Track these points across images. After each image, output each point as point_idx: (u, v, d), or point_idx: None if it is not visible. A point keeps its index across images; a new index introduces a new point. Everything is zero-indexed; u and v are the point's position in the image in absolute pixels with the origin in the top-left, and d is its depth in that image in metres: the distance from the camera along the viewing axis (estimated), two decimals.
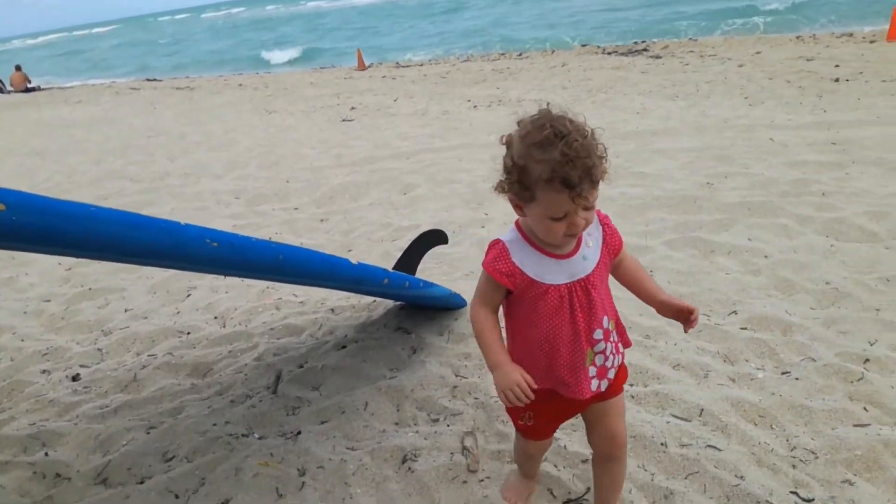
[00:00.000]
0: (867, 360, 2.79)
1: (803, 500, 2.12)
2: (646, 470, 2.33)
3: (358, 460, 2.54)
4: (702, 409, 2.59)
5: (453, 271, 4.37)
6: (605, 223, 1.79)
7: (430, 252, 3.93)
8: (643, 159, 6.41)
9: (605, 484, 2.04)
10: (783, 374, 2.81)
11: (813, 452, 2.34)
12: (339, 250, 5.05)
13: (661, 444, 2.43)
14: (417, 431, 2.71)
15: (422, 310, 3.72)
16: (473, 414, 2.77)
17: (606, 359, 1.80)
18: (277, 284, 4.43)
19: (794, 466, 2.29)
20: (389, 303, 3.89)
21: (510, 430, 2.62)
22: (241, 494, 2.46)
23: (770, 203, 4.70)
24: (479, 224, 5.24)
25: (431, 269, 4.43)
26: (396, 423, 2.80)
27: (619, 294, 1.93)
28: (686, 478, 2.28)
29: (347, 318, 3.84)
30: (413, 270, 3.65)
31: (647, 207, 5.03)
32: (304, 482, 2.47)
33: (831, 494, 2.12)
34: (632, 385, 2.83)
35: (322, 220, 5.89)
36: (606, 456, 1.98)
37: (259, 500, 2.43)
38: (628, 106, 9.39)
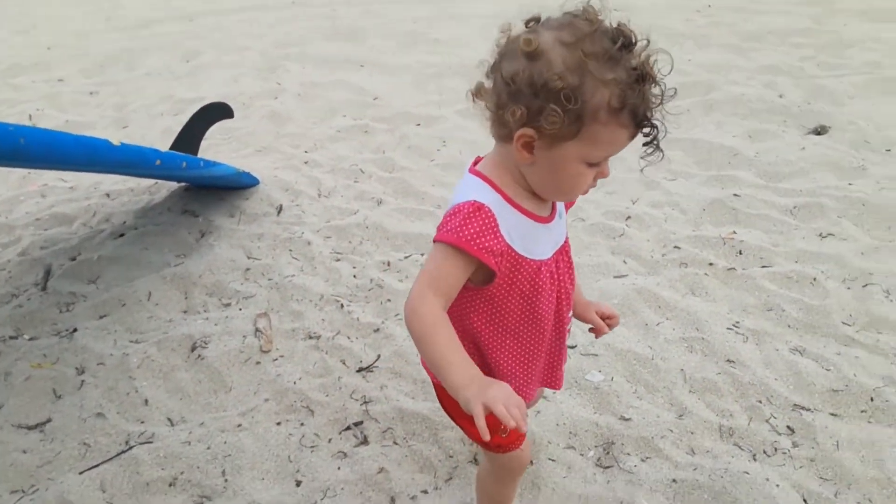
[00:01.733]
0: (629, 217, 3.07)
1: (568, 346, 2.36)
2: None
3: (143, 353, 2.43)
4: None
5: (243, 147, 4.15)
6: None
7: (216, 127, 3.69)
8: (439, 25, 6.33)
9: None
10: None
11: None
12: (113, 128, 4.58)
13: None
14: (207, 318, 2.62)
15: (210, 190, 3.53)
16: (267, 295, 2.73)
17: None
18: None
19: None
20: (173, 184, 3.64)
21: (304, 308, 2.63)
22: (12, 399, 2.28)
23: None
24: (271, 95, 4.96)
25: (219, 145, 4.17)
26: (185, 312, 2.69)
27: None
28: None
29: (125, 203, 3.55)
30: (195, 148, 3.41)
31: (441, 76, 5.02)
32: (83, 381, 2.33)
33: (591, 340, 2.37)
34: (423, 254, 2.91)
35: (91, 94, 5.27)
36: None
37: (34, 403, 2.27)
38: None
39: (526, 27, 1.14)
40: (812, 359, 2.22)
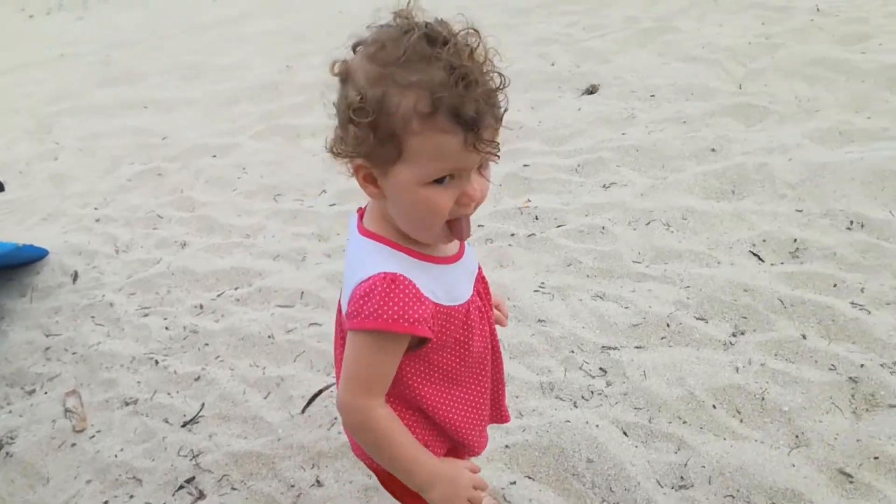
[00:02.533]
0: None
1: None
2: (257, 366, 2.40)
3: None
4: (302, 292, 2.71)
5: (27, 218, 3.83)
6: None
7: None
8: (222, 50, 6.17)
9: None
10: None
11: None
12: None
13: (269, 336, 2.51)
14: (11, 410, 2.42)
15: None
16: (73, 370, 2.55)
17: None
18: None
19: None
20: None
21: (116, 374, 2.48)
22: None
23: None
24: (50, 156, 4.61)
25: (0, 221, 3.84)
26: None
27: None
28: (294, 360, 2.40)
29: None
30: None
31: (231, 102, 4.89)
32: None
33: None
34: (237, 288, 2.83)
35: None
36: None
37: None
38: None
39: (354, 53, 1.04)
40: (612, 301, 2.38)
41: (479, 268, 1.26)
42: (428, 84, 0.93)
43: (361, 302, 1.02)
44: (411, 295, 1.03)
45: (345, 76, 1.00)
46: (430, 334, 1.07)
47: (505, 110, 1.02)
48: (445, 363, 1.17)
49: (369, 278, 1.02)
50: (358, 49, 1.02)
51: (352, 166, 1.04)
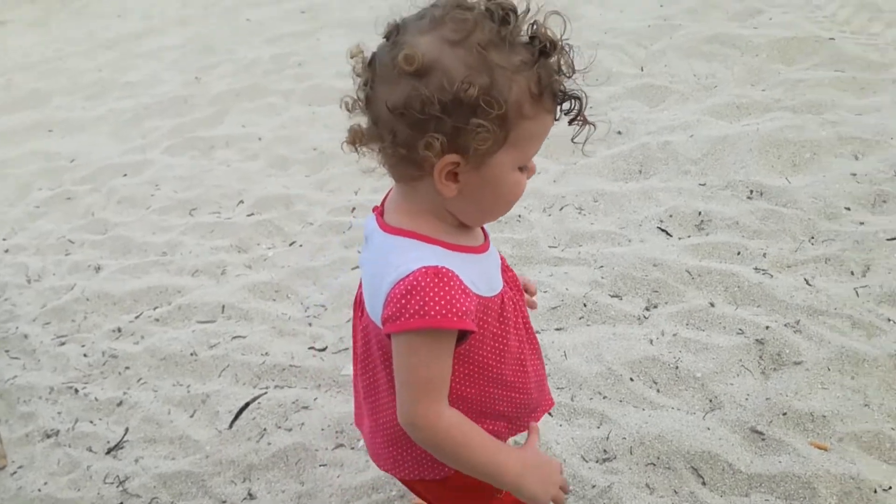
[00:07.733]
0: (353, 208, 3.15)
1: (318, 349, 2.38)
2: (181, 385, 2.36)
3: None
4: (223, 306, 2.67)
5: None
6: None
7: None
8: (128, 67, 6.00)
9: None
10: (290, 245, 3.04)
11: (323, 306, 2.61)
12: None
13: (191, 354, 2.46)
14: None
15: None
16: None
17: None
18: None
19: (309, 324, 2.53)
20: None
21: (34, 407, 2.40)
22: None
23: (256, 84, 4.83)
24: None
25: None
26: None
27: None
28: (219, 376, 2.37)
29: None
30: None
31: (140, 119, 4.76)
32: None
33: (339, 336, 2.42)
34: (156, 308, 2.78)
35: None
36: None
37: None
38: (107, 10, 8.59)
39: (388, 41, 0.95)
40: None
41: (503, 258, 1.22)
42: (531, 64, 0.91)
43: (404, 301, 0.95)
44: (457, 287, 0.96)
45: (424, 69, 0.89)
46: (475, 327, 1.01)
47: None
48: (484, 360, 1.11)
49: (409, 275, 0.95)
50: (395, 38, 0.94)
51: (438, 165, 0.94)
